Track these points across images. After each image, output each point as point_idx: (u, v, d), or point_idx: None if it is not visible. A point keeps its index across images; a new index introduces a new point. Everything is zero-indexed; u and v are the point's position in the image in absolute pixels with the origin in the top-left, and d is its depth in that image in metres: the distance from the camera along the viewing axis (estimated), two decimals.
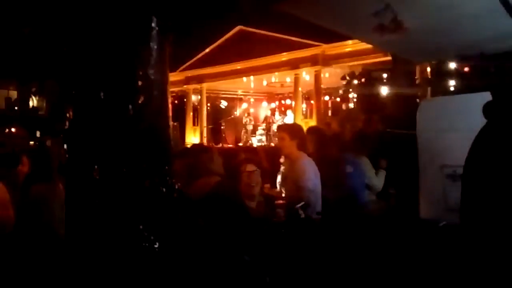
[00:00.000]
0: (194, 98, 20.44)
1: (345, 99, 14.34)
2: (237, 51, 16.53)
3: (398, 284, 3.35)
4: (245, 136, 18.43)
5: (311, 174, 4.53)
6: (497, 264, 2.38)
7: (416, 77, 8.16)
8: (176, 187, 2.23)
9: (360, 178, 4.99)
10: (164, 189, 2.11)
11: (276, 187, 5.42)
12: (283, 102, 21.44)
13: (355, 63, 13.55)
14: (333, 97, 17.94)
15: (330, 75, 15.28)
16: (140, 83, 2.01)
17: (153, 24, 2.04)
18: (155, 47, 2.05)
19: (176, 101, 20.17)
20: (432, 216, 4.17)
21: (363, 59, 13.10)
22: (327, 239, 3.67)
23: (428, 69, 6.01)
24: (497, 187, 2.38)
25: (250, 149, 14.92)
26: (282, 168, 5.16)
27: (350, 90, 13.20)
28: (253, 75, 17.40)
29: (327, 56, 14.81)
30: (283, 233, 3.50)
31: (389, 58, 9.39)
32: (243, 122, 19.34)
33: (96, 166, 1.98)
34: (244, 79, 17.82)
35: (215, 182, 3.36)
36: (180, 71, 18.97)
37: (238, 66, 17.28)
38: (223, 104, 21.81)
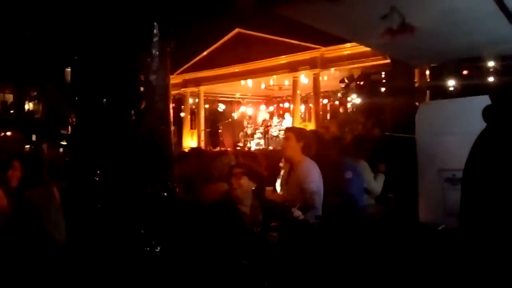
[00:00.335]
0: (191, 101, 20.42)
1: (344, 102, 14.35)
2: (235, 54, 16.48)
3: (397, 287, 3.35)
4: (243, 140, 18.40)
5: (315, 176, 4.52)
6: (496, 267, 2.39)
7: (415, 80, 8.17)
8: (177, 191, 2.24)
9: (359, 183, 4.99)
10: (165, 194, 2.12)
11: (276, 191, 5.40)
12: (281, 105, 21.43)
13: (354, 66, 13.54)
14: (331, 100, 17.94)
15: (329, 78, 15.28)
16: (142, 89, 2.02)
17: (154, 31, 2.05)
18: (157, 53, 2.07)
19: (173, 104, 20.07)
20: (431, 220, 4.17)
21: (361, 62, 13.09)
22: (326, 243, 3.67)
23: (427, 72, 6.03)
24: (497, 191, 2.39)
25: (248, 153, 14.90)
26: (282, 172, 5.14)
27: (349, 93, 13.23)
28: (251, 78, 17.37)
29: (326, 59, 14.80)
30: (281, 238, 3.50)
31: (388, 61, 9.41)
32: (244, 125, 19.31)
33: (98, 171, 1.99)
34: (242, 82, 17.80)
35: (224, 190, 3.70)
36: (178, 74, 18.91)
37: (236, 69, 17.25)
38: (221, 107, 21.78)
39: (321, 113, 16.13)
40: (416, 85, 7.88)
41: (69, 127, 2.07)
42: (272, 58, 15.88)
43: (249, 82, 17.70)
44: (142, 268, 2.04)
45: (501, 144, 2.45)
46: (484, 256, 2.45)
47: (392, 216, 4.91)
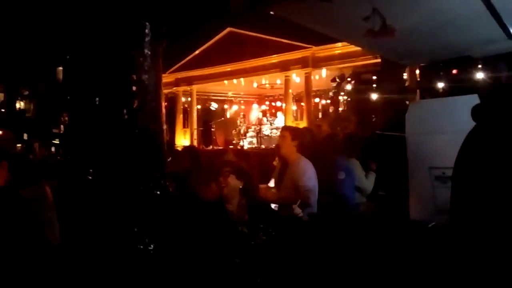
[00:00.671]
0: (184, 100, 20.38)
1: (335, 101, 14.39)
2: (227, 53, 16.47)
3: (388, 284, 3.38)
4: (236, 138, 18.39)
5: (311, 174, 4.55)
6: (487, 264, 2.42)
7: (405, 79, 8.22)
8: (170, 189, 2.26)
9: (351, 181, 5.02)
10: (158, 192, 2.13)
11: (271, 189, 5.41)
12: (273, 104, 21.44)
13: (345, 65, 13.58)
14: (323, 99, 17.98)
15: (320, 77, 15.32)
16: (134, 88, 2.04)
17: (146, 30, 2.06)
18: (149, 52, 2.08)
19: (166, 103, 20.00)
20: (422, 217, 4.21)
21: (353, 61, 13.14)
22: (318, 241, 3.69)
23: (417, 72, 6.07)
24: (487, 189, 2.42)
25: (241, 151, 14.90)
26: (276, 170, 5.16)
27: (340, 92, 13.27)
28: (243, 77, 17.36)
29: (317, 58, 14.83)
30: (273, 235, 3.52)
31: (378, 60, 9.45)
32: (237, 124, 19.31)
33: (91, 170, 2.00)
34: (235, 81, 17.78)
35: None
36: (170, 73, 18.86)
37: (228, 68, 17.23)
38: (214, 106, 21.75)
39: (313, 112, 16.16)
40: (407, 84, 7.94)
41: (62, 126, 2.08)
42: (264, 57, 15.87)
43: (241, 81, 17.70)
44: (136, 266, 2.05)
45: (490, 143, 2.48)
46: (474, 253, 2.48)
47: (383, 214, 4.95)
